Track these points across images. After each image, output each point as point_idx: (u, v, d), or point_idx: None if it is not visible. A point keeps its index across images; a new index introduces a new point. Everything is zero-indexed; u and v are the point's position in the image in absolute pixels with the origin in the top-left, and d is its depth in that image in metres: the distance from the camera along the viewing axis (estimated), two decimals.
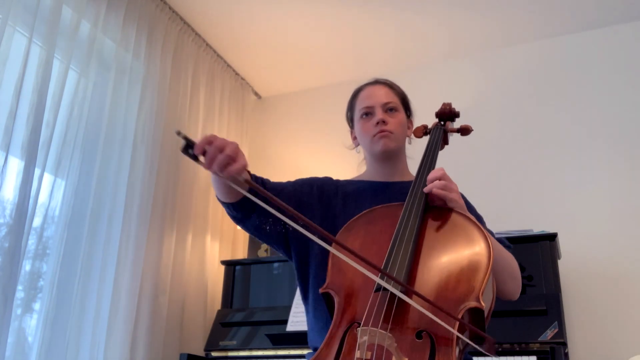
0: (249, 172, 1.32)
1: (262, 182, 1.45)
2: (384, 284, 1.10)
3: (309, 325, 1.45)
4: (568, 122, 2.89)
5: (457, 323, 1.07)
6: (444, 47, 3.19)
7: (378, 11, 2.91)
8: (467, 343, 1.16)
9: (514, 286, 1.38)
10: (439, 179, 1.32)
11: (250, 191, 1.19)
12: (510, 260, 1.37)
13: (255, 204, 1.26)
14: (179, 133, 1.09)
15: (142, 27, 2.64)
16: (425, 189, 1.32)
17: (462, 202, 1.33)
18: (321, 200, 1.50)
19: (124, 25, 2.54)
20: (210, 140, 1.11)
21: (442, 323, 1.04)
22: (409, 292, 1.11)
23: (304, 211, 1.42)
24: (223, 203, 1.39)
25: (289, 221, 1.11)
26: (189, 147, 1.10)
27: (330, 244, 1.18)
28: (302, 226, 1.12)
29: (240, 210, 1.38)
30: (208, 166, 1.11)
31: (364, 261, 1.06)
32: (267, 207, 1.11)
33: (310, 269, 1.44)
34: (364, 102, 1.54)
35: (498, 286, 1.31)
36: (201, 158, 1.11)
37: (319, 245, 1.38)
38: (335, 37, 3.11)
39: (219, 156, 1.10)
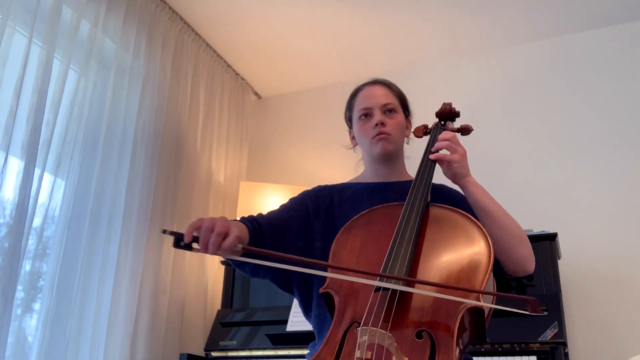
0: (243, 218, 1.37)
1: (258, 224, 1.42)
2: (385, 284, 1.10)
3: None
4: (568, 122, 2.89)
5: (458, 321, 1.07)
6: (444, 47, 3.19)
7: (378, 11, 2.91)
8: (468, 343, 1.16)
9: (526, 251, 1.36)
10: (447, 139, 1.39)
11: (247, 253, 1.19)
12: (518, 227, 1.38)
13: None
14: (164, 231, 1.09)
15: (142, 27, 2.64)
16: (434, 148, 1.41)
17: (466, 163, 1.39)
18: (318, 216, 1.49)
19: (124, 26, 2.54)
20: (197, 225, 1.12)
21: (454, 298, 1.06)
22: (412, 283, 1.12)
23: (305, 238, 1.46)
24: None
25: (291, 268, 1.15)
26: (179, 240, 1.10)
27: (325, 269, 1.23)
28: (303, 266, 1.16)
29: (243, 265, 1.38)
30: (204, 250, 1.11)
31: (361, 273, 1.06)
32: (266, 263, 1.14)
33: (314, 288, 1.44)
34: (363, 103, 1.54)
35: (512, 254, 1.32)
36: (195, 245, 1.11)
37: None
38: (335, 37, 3.11)
39: (211, 237, 1.10)
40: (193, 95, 2.95)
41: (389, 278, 1.11)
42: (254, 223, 1.41)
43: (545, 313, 1.08)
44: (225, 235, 1.12)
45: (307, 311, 1.46)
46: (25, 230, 1.93)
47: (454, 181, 1.40)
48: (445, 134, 1.42)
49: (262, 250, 1.15)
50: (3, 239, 1.89)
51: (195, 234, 1.11)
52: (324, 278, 1.36)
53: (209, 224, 1.11)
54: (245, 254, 1.17)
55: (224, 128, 3.20)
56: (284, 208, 1.52)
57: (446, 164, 1.38)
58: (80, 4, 2.31)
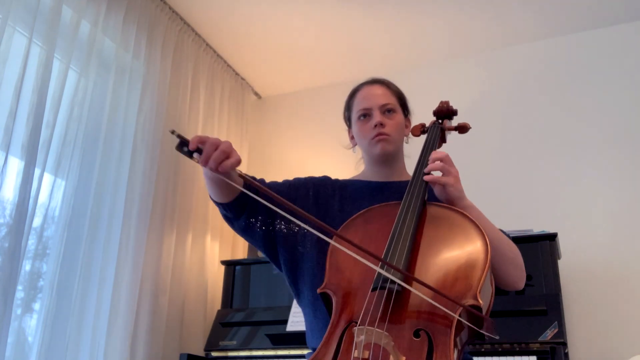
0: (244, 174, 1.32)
1: (258, 181, 1.42)
2: (384, 273, 1.10)
3: (308, 325, 1.45)
4: (568, 122, 2.89)
5: (459, 310, 1.07)
6: (444, 47, 3.19)
7: (378, 11, 2.91)
8: (466, 342, 1.16)
9: (518, 274, 1.36)
10: (440, 160, 1.33)
11: (245, 186, 1.23)
12: (512, 248, 1.36)
13: (246, 203, 1.31)
14: (173, 132, 1.12)
15: (142, 27, 2.64)
16: (426, 169, 1.34)
17: (460, 186, 1.34)
18: (317, 202, 1.49)
19: (124, 25, 2.54)
20: (204, 139, 1.15)
21: (444, 309, 1.05)
22: (409, 279, 1.11)
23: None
24: (216, 203, 1.42)
25: (285, 214, 1.16)
26: (183, 145, 1.14)
27: (330, 237, 1.20)
28: (300, 220, 1.16)
29: (232, 210, 1.39)
30: (204, 162, 1.14)
31: (364, 251, 1.06)
32: (262, 201, 1.15)
33: (304, 270, 1.42)
34: (362, 103, 1.53)
35: (501, 274, 1.31)
36: (196, 155, 1.14)
37: (313, 244, 1.39)
38: (335, 37, 3.12)
39: (214, 152, 1.13)
40: (193, 95, 2.95)
41: (389, 266, 1.11)
42: (255, 179, 1.38)
43: (497, 337, 1.10)
44: (228, 155, 1.14)
45: (297, 292, 1.45)
46: (25, 230, 1.94)
47: (449, 205, 1.34)
48: (437, 154, 1.35)
49: (263, 187, 1.12)
50: (3, 239, 1.90)
51: (200, 145, 1.13)
52: (313, 253, 1.38)
53: (215, 140, 1.15)
54: (245, 185, 1.19)
55: (224, 128, 3.20)
56: (286, 183, 1.53)
57: (440, 187, 1.32)
58: (80, 4, 2.32)
